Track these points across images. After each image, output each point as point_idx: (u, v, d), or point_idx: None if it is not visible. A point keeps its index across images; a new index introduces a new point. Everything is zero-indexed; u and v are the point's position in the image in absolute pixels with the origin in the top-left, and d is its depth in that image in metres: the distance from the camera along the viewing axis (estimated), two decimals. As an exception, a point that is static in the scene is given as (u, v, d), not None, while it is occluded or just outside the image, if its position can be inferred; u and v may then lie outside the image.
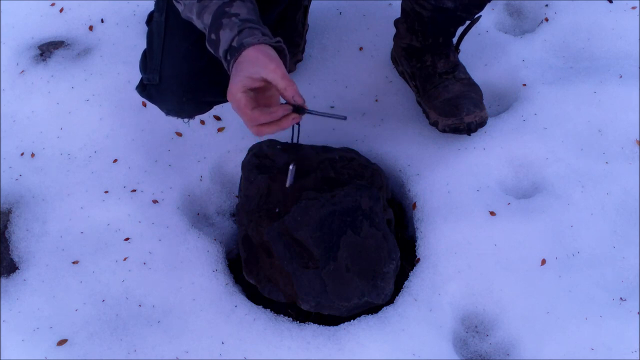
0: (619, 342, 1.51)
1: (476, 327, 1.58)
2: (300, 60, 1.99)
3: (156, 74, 1.51)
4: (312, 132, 1.82)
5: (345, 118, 1.30)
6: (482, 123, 1.75)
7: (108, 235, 1.71)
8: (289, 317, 1.58)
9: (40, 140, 1.89)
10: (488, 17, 2.07)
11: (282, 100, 1.28)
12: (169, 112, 1.60)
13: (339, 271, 1.51)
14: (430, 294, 1.58)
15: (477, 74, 1.88)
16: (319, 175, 1.62)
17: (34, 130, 1.91)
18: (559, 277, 1.59)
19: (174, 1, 1.39)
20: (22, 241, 1.72)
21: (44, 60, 2.02)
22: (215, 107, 1.67)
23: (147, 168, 1.82)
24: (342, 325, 1.54)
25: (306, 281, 1.51)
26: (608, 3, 2.09)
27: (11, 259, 1.71)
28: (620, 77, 1.89)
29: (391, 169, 1.79)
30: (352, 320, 1.55)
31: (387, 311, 1.56)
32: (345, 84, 1.96)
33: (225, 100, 1.28)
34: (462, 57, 1.90)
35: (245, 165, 1.65)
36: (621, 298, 1.57)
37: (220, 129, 1.88)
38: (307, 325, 1.55)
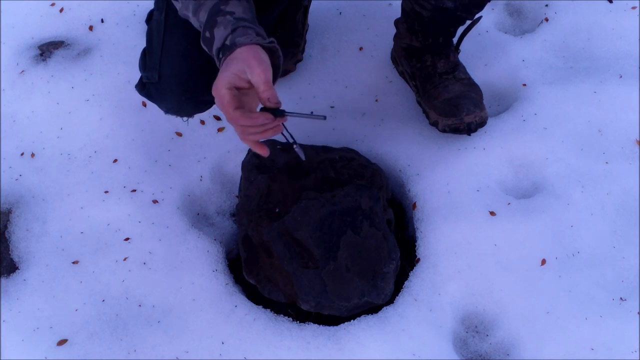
0: (619, 342, 1.51)
1: (476, 327, 1.58)
2: (300, 60, 1.99)
3: (155, 72, 1.51)
4: (312, 132, 1.83)
5: (324, 118, 1.28)
6: (482, 123, 1.75)
7: (108, 235, 1.71)
8: (289, 317, 1.58)
9: (40, 140, 1.89)
10: (488, 17, 2.07)
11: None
12: (168, 111, 1.60)
13: (339, 271, 1.51)
14: (430, 294, 1.58)
15: (477, 74, 1.88)
16: (319, 175, 1.62)
17: (34, 130, 1.91)
18: (559, 277, 1.59)
19: None
20: (22, 241, 1.72)
21: (44, 60, 2.02)
22: (214, 106, 1.67)
23: (147, 168, 1.82)
24: (342, 325, 1.54)
25: (306, 281, 1.51)
26: (608, 3, 2.09)
27: (11, 259, 1.71)
28: (620, 77, 1.89)
29: (391, 169, 1.79)
30: (352, 320, 1.54)
31: (387, 311, 1.56)
32: (345, 84, 1.96)
33: None
34: (462, 57, 1.90)
35: (245, 165, 1.65)
36: (621, 298, 1.57)
37: (220, 129, 1.88)
38: (307, 325, 1.55)
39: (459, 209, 1.68)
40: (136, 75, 1.61)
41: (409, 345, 1.51)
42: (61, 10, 2.14)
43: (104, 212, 1.75)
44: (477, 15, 1.71)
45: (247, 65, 1.21)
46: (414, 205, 1.72)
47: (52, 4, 2.15)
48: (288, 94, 1.93)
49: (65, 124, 1.91)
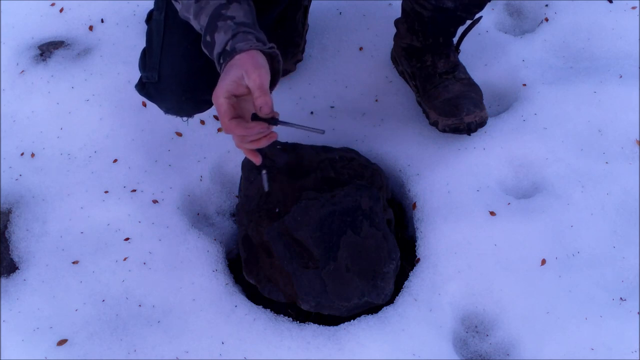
0: (619, 342, 1.51)
1: (476, 327, 1.58)
2: (300, 60, 1.99)
3: (155, 72, 1.51)
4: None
5: (323, 132, 1.29)
6: (482, 123, 1.75)
7: (108, 235, 1.71)
8: (289, 317, 1.58)
9: (40, 140, 1.89)
10: (488, 17, 2.07)
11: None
12: (167, 111, 1.60)
13: (339, 271, 1.51)
14: (430, 294, 1.58)
15: (477, 74, 1.88)
16: (319, 175, 1.62)
17: (34, 130, 1.91)
18: (559, 277, 1.59)
19: (172, 0, 1.39)
20: (22, 241, 1.72)
21: (44, 60, 2.02)
22: (214, 106, 1.67)
23: (147, 168, 1.82)
24: (342, 325, 1.54)
25: (306, 281, 1.51)
26: (608, 3, 2.09)
27: (11, 259, 1.71)
28: (620, 77, 1.89)
29: (391, 169, 1.79)
30: (352, 320, 1.54)
31: (387, 311, 1.56)
32: (345, 84, 1.96)
33: None
34: (462, 57, 1.90)
35: (245, 165, 1.65)
36: (621, 298, 1.57)
37: (220, 129, 1.88)
38: (307, 325, 1.55)
39: (459, 209, 1.68)
40: (136, 75, 1.61)
41: (409, 345, 1.51)
42: (61, 10, 2.14)
43: (104, 212, 1.75)
44: (477, 15, 1.71)
45: (244, 71, 1.21)
46: (414, 205, 1.72)
47: (52, 4, 2.15)
48: (288, 94, 1.93)
49: (65, 124, 1.91)
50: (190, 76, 1.49)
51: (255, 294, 1.62)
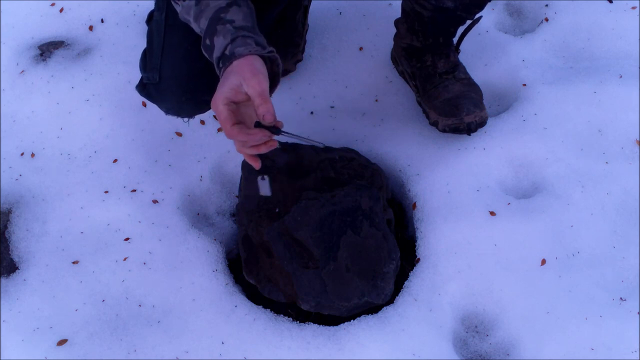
0: (619, 342, 1.51)
1: (476, 327, 1.58)
2: (300, 60, 1.99)
3: (156, 73, 1.51)
4: (313, 132, 1.83)
5: (323, 145, 1.30)
6: (482, 123, 1.75)
7: (108, 235, 1.71)
8: (289, 317, 1.58)
9: (40, 140, 1.89)
10: (488, 17, 2.07)
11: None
12: (168, 111, 1.60)
13: (339, 271, 1.51)
14: (430, 294, 1.58)
15: (477, 74, 1.88)
16: (319, 175, 1.62)
17: (34, 130, 1.91)
18: (559, 277, 1.59)
19: (172, 2, 1.39)
20: (22, 241, 1.72)
21: (44, 60, 2.02)
22: (215, 107, 1.67)
23: (147, 168, 1.82)
24: (342, 325, 1.54)
25: (306, 281, 1.51)
26: (608, 3, 2.09)
27: (11, 259, 1.71)
28: (620, 77, 1.89)
29: (391, 169, 1.79)
30: (352, 320, 1.54)
31: (387, 311, 1.56)
32: (345, 84, 1.96)
33: None
34: (462, 57, 1.90)
35: (245, 165, 1.65)
36: (621, 298, 1.57)
37: (220, 129, 1.87)
38: (307, 325, 1.55)
39: (459, 209, 1.68)
40: (136, 75, 1.61)
41: (409, 345, 1.51)
42: (61, 10, 2.14)
43: (104, 212, 1.75)
44: (477, 15, 1.71)
45: (243, 78, 1.22)
46: (414, 205, 1.72)
47: (52, 4, 2.15)
48: (288, 94, 1.93)
49: (65, 124, 1.91)
50: (191, 77, 1.49)
51: (255, 294, 1.62)
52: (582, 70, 1.93)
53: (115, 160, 1.83)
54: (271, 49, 1.29)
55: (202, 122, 1.89)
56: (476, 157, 1.76)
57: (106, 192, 1.78)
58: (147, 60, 1.55)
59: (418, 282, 1.60)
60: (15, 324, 1.59)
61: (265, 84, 1.22)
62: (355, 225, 1.54)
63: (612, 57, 1.98)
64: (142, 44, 1.58)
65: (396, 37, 1.88)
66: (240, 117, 1.25)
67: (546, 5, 2.10)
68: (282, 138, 1.28)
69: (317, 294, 1.51)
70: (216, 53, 1.28)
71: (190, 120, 1.71)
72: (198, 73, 1.49)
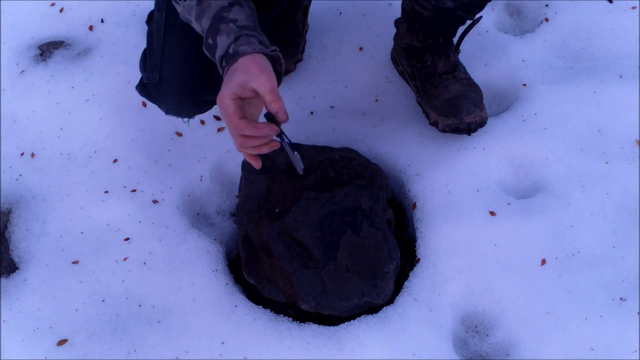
0: (619, 342, 1.51)
1: (476, 327, 1.58)
2: (300, 60, 1.99)
3: (156, 73, 1.51)
4: (313, 132, 1.83)
5: (302, 171, 1.35)
6: (482, 123, 1.75)
7: (108, 235, 1.71)
8: (289, 317, 1.58)
9: (40, 140, 1.89)
10: (488, 17, 2.07)
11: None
12: (168, 111, 1.60)
13: (339, 271, 1.51)
14: (430, 294, 1.58)
15: (477, 74, 1.88)
16: (319, 175, 1.62)
17: (34, 130, 1.91)
18: (559, 277, 1.59)
19: (173, 2, 1.39)
20: (22, 241, 1.72)
21: (44, 60, 2.02)
22: (215, 106, 1.67)
23: (147, 168, 1.82)
24: (342, 325, 1.54)
25: (306, 281, 1.51)
26: (608, 3, 2.09)
27: (11, 259, 1.71)
28: (620, 77, 1.89)
29: (391, 169, 1.79)
30: (352, 320, 1.54)
31: (387, 311, 1.56)
32: (345, 84, 1.96)
33: None
34: (462, 57, 1.90)
35: (245, 165, 1.65)
36: (621, 298, 1.57)
37: (220, 129, 1.88)
38: (307, 325, 1.55)
39: (459, 209, 1.68)
40: (136, 75, 1.61)
41: (409, 345, 1.51)
42: (61, 10, 2.14)
43: (104, 212, 1.75)
44: (477, 15, 1.71)
45: (250, 75, 1.21)
46: (414, 205, 1.72)
47: (52, 4, 2.15)
48: (288, 94, 1.93)
49: (65, 124, 1.91)
50: (191, 77, 1.49)
51: (255, 294, 1.62)
52: (582, 70, 1.93)
53: (115, 160, 1.83)
54: (274, 47, 1.29)
55: (202, 122, 1.89)
56: (476, 157, 1.76)
57: (106, 192, 1.78)
58: (147, 60, 1.55)
59: (418, 282, 1.60)
60: (15, 324, 1.59)
61: (274, 81, 1.22)
62: (355, 225, 1.54)
63: (612, 57, 1.98)
64: (142, 44, 1.58)
65: (396, 37, 1.88)
66: (245, 115, 1.25)
67: (546, 5, 2.10)
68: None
69: (317, 294, 1.51)
70: (219, 52, 1.28)
71: (190, 120, 1.71)
72: (198, 73, 1.49)
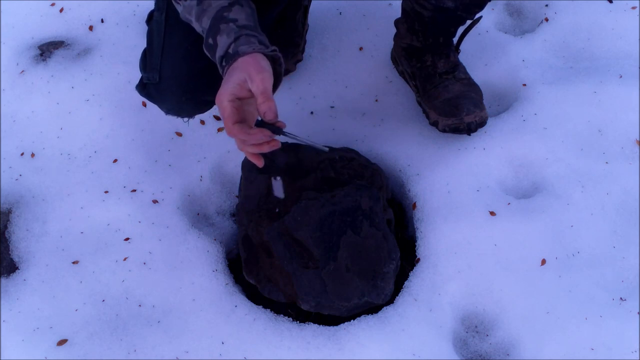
0: (619, 342, 1.51)
1: (476, 327, 1.58)
2: (300, 60, 1.99)
3: (156, 73, 1.51)
4: (313, 132, 1.83)
5: (327, 150, 1.30)
6: (482, 123, 1.75)
7: (108, 235, 1.71)
8: (289, 317, 1.58)
9: (40, 140, 1.89)
10: (488, 17, 2.07)
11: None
12: (168, 111, 1.60)
13: (339, 271, 1.51)
14: (430, 294, 1.58)
15: (477, 74, 1.88)
16: (319, 175, 1.62)
17: (34, 130, 1.91)
18: (559, 277, 1.59)
19: (173, 1, 1.39)
20: (22, 241, 1.72)
21: (44, 60, 2.02)
22: (215, 106, 1.67)
23: (147, 168, 1.82)
24: (342, 325, 1.54)
25: (306, 281, 1.51)
26: (608, 3, 2.09)
27: (11, 259, 1.71)
28: (620, 77, 1.89)
29: (391, 169, 1.79)
30: (352, 320, 1.54)
31: (387, 311, 1.56)
32: (345, 84, 1.96)
33: None
34: (462, 57, 1.90)
35: (245, 165, 1.65)
36: (621, 298, 1.57)
37: (220, 129, 1.88)
38: (307, 325, 1.55)
39: (459, 209, 1.68)
40: (136, 75, 1.61)
41: (409, 345, 1.51)
42: (61, 10, 2.14)
43: (104, 212, 1.75)
44: (477, 15, 1.71)
45: (247, 74, 1.22)
46: (414, 205, 1.72)
47: (52, 4, 2.15)
48: (288, 94, 1.93)
49: (65, 124, 1.91)
50: (191, 77, 1.49)
51: (255, 294, 1.62)
52: (582, 70, 1.93)
53: (115, 160, 1.83)
54: (274, 47, 1.29)
55: (202, 122, 1.89)
56: (476, 157, 1.76)
57: (106, 192, 1.78)
58: (147, 60, 1.55)
59: (418, 282, 1.60)
60: (15, 324, 1.59)
61: (269, 82, 1.22)
62: (355, 225, 1.54)
63: (612, 57, 1.98)
64: (142, 44, 1.58)
65: (396, 37, 1.88)
66: (243, 114, 1.25)
67: (546, 5, 2.10)
68: (286, 139, 1.27)
69: (317, 294, 1.51)
70: (219, 52, 1.28)
71: (190, 120, 1.71)
72: (198, 73, 1.49)
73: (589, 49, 2.02)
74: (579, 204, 1.69)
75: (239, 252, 1.65)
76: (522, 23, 2.13)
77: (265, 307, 1.60)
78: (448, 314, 1.56)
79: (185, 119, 1.68)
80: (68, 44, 2.06)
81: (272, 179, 1.44)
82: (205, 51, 1.33)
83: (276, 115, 1.22)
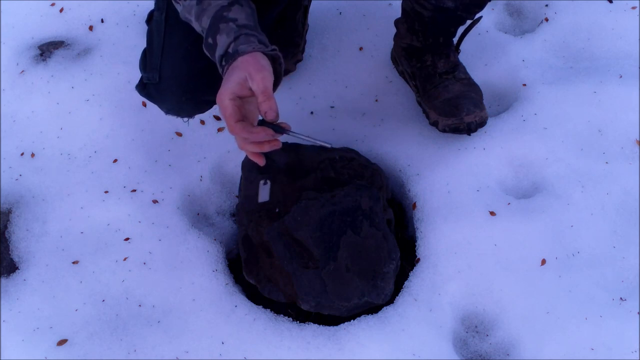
0: (619, 342, 1.51)
1: (476, 327, 1.58)
2: (300, 60, 1.99)
3: (156, 73, 1.51)
4: (313, 132, 1.82)
5: (331, 145, 1.29)
6: (482, 123, 1.75)
7: (108, 235, 1.71)
8: (289, 317, 1.58)
9: (40, 140, 1.89)
10: (488, 17, 2.07)
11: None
12: (168, 111, 1.61)
13: (339, 271, 1.51)
14: (430, 294, 1.58)
15: (477, 74, 1.88)
16: (319, 175, 1.62)
17: (34, 130, 1.91)
18: (559, 277, 1.59)
19: (173, 1, 1.39)
20: (22, 241, 1.72)
21: (44, 60, 2.02)
22: (215, 106, 1.67)
23: (147, 168, 1.82)
24: (342, 325, 1.54)
25: (306, 281, 1.51)
26: (608, 3, 2.09)
27: (11, 259, 1.71)
28: (620, 77, 1.89)
29: (391, 169, 1.79)
30: (352, 320, 1.54)
31: (387, 311, 1.56)
32: (345, 84, 1.96)
33: None
34: (462, 57, 1.90)
35: (245, 165, 1.65)
36: (621, 298, 1.57)
37: (220, 129, 1.88)
38: (307, 325, 1.55)
39: (459, 209, 1.68)
40: (136, 75, 1.61)
41: (409, 345, 1.51)
42: (61, 10, 2.14)
43: (104, 212, 1.75)
44: (477, 15, 1.71)
45: (248, 73, 1.22)
46: (414, 205, 1.72)
47: (52, 4, 2.15)
48: (288, 94, 1.93)
49: (65, 124, 1.91)
50: (191, 77, 1.50)
51: (255, 294, 1.62)
52: (582, 70, 1.94)
53: (115, 160, 1.83)
54: (274, 47, 1.29)
55: (202, 122, 1.89)
56: (476, 157, 1.76)
57: (106, 192, 1.78)
58: (147, 60, 1.55)
59: (418, 282, 1.60)
60: (15, 324, 1.59)
61: (270, 81, 1.22)
62: (355, 225, 1.54)
63: (612, 57, 1.98)
64: (142, 44, 1.58)
65: (396, 37, 1.88)
66: (245, 113, 1.25)
67: (546, 5, 2.10)
68: (289, 138, 1.27)
69: (317, 294, 1.51)
70: (219, 51, 1.28)
71: (190, 120, 1.71)
72: (198, 73, 1.49)
73: (589, 49, 2.02)
74: (579, 204, 1.69)
75: (239, 252, 1.65)
76: (522, 23, 2.13)
77: (265, 307, 1.60)
78: (448, 314, 1.56)
79: (185, 119, 1.68)
80: (68, 44, 2.06)
81: (261, 182, 1.44)
82: (205, 51, 1.33)
83: (277, 115, 1.22)
